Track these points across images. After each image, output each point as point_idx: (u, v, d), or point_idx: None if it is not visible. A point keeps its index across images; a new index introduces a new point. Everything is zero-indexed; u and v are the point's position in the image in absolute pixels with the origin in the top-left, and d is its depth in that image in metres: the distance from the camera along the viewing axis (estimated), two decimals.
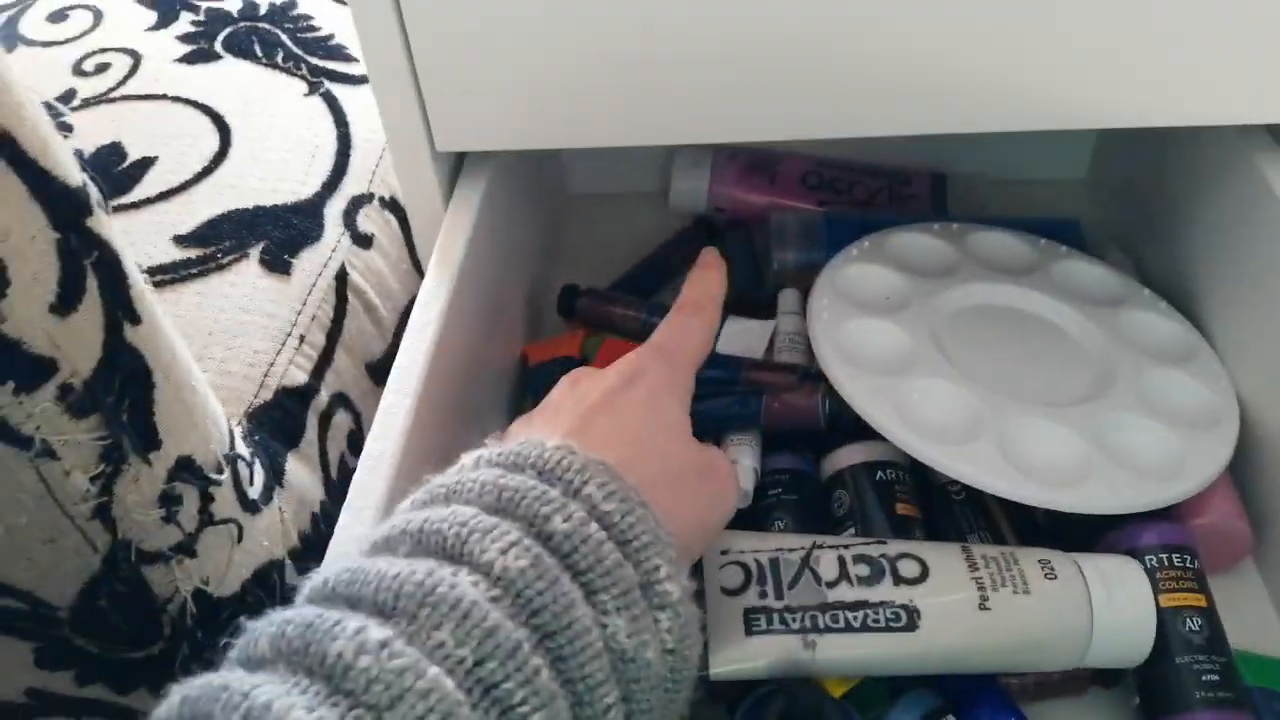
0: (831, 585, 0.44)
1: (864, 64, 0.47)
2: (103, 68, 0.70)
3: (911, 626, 0.43)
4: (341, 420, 0.57)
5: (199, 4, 0.76)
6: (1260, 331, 0.52)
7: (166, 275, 0.56)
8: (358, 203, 0.63)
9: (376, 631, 0.24)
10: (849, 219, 0.68)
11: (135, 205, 0.60)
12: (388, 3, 0.47)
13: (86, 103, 0.67)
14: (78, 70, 0.70)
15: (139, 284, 0.38)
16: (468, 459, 0.31)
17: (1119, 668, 0.46)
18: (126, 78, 0.69)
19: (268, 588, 0.48)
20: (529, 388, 0.60)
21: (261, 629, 0.25)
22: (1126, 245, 0.67)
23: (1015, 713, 0.45)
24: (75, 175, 0.35)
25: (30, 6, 0.77)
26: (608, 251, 0.71)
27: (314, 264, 0.58)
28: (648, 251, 0.72)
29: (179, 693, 0.25)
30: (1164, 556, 0.47)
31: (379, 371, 0.62)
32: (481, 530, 0.27)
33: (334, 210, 0.61)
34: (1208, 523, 0.50)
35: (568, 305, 0.65)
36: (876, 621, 0.43)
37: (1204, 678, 0.44)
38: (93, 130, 0.65)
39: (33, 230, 0.32)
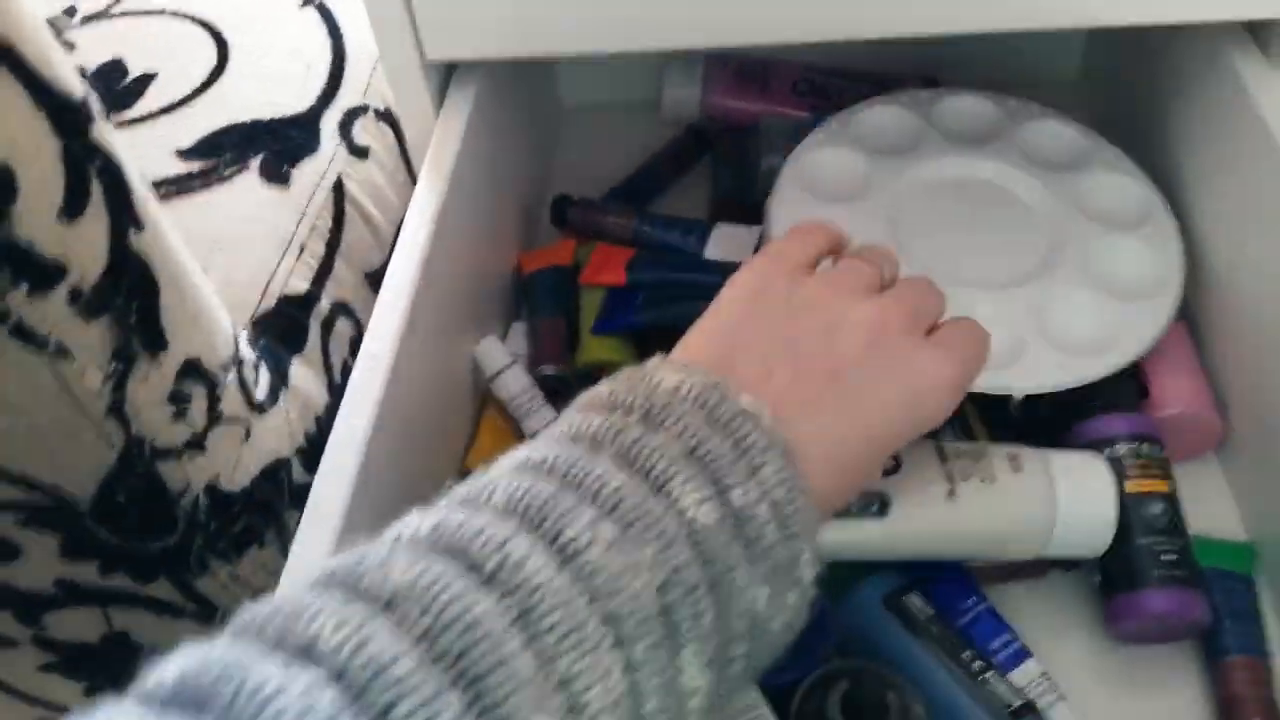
0: None
1: None
2: None
3: (882, 512, 0.45)
4: (343, 328, 0.59)
5: None
6: (1239, 227, 0.53)
7: (171, 188, 0.58)
8: (353, 115, 0.64)
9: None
10: (830, 118, 0.69)
11: (138, 120, 0.61)
12: None
13: (87, 19, 0.68)
14: None
15: (142, 193, 0.40)
16: (668, 376, 0.32)
17: (1079, 557, 0.48)
18: None
19: (276, 484, 0.51)
20: (524, 295, 0.62)
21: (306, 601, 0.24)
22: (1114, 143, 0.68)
23: (976, 592, 0.48)
24: (78, 87, 0.36)
25: None
26: (602, 161, 0.72)
27: (312, 175, 0.60)
28: (641, 161, 0.73)
29: (176, 667, 0.22)
30: (1132, 445, 0.49)
31: (378, 281, 0.63)
32: (683, 477, 0.29)
33: (330, 123, 0.63)
34: (1179, 413, 0.52)
35: (560, 215, 0.66)
36: (850, 506, 0.45)
37: (1162, 558, 0.47)
38: (95, 47, 0.66)
39: (38, 139, 0.34)
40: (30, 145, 0.33)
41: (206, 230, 0.56)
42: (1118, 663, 0.48)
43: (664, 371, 0.32)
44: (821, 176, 0.58)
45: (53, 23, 0.68)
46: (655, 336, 0.49)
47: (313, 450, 0.54)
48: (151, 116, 0.61)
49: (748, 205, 0.64)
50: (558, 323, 0.60)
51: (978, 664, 0.45)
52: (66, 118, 0.35)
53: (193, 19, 0.68)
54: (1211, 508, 0.53)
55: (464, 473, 0.50)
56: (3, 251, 0.33)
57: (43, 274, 0.35)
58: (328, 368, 0.57)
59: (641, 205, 0.70)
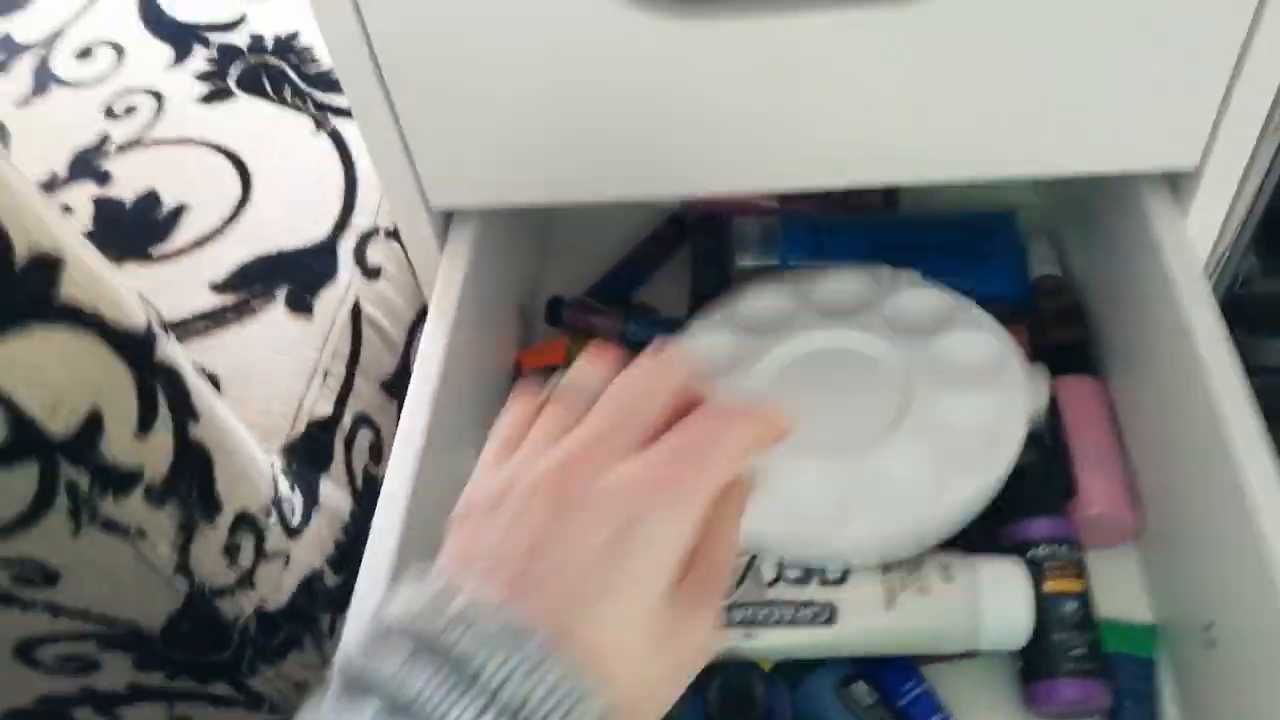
0: (771, 584, 0.55)
1: (801, 130, 0.54)
2: (130, 110, 0.79)
3: (830, 621, 0.53)
4: (363, 437, 0.67)
5: (210, 37, 0.83)
6: (1141, 349, 0.61)
7: (209, 322, 0.65)
8: (366, 238, 0.72)
9: None
10: (802, 222, 0.76)
11: (175, 254, 0.69)
12: (378, 92, 0.55)
13: (120, 148, 0.76)
14: (108, 113, 0.78)
15: (196, 386, 0.48)
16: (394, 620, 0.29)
17: (1002, 650, 0.56)
18: (153, 121, 0.77)
19: (311, 595, 0.59)
20: None
21: None
22: (1057, 237, 0.75)
23: (915, 676, 0.56)
24: (141, 318, 0.44)
25: (57, 43, 0.85)
26: (588, 251, 0.79)
27: (332, 303, 0.68)
28: (628, 246, 0.80)
29: None
30: (1051, 548, 0.57)
31: (392, 386, 0.71)
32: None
33: (345, 248, 0.70)
34: (1100, 513, 0.60)
35: (554, 315, 0.74)
36: (802, 617, 0.53)
37: (1072, 652, 0.54)
38: (129, 178, 0.74)
39: (116, 378, 0.41)
40: (110, 386, 0.41)
41: (241, 364, 0.63)
42: None
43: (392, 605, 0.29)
44: (704, 352, 0.63)
45: (89, 153, 0.76)
46: None
47: (341, 555, 0.62)
48: (185, 251, 0.69)
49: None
50: None
51: None
52: (136, 351, 0.43)
53: (217, 148, 0.75)
54: (1123, 592, 0.60)
55: None
56: (94, 472, 0.41)
57: (123, 480, 0.43)
58: (350, 477, 0.65)
59: (627, 293, 0.78)
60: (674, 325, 0.69)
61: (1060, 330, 0.68)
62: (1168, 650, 0.58)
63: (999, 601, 0.53)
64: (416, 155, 0.57)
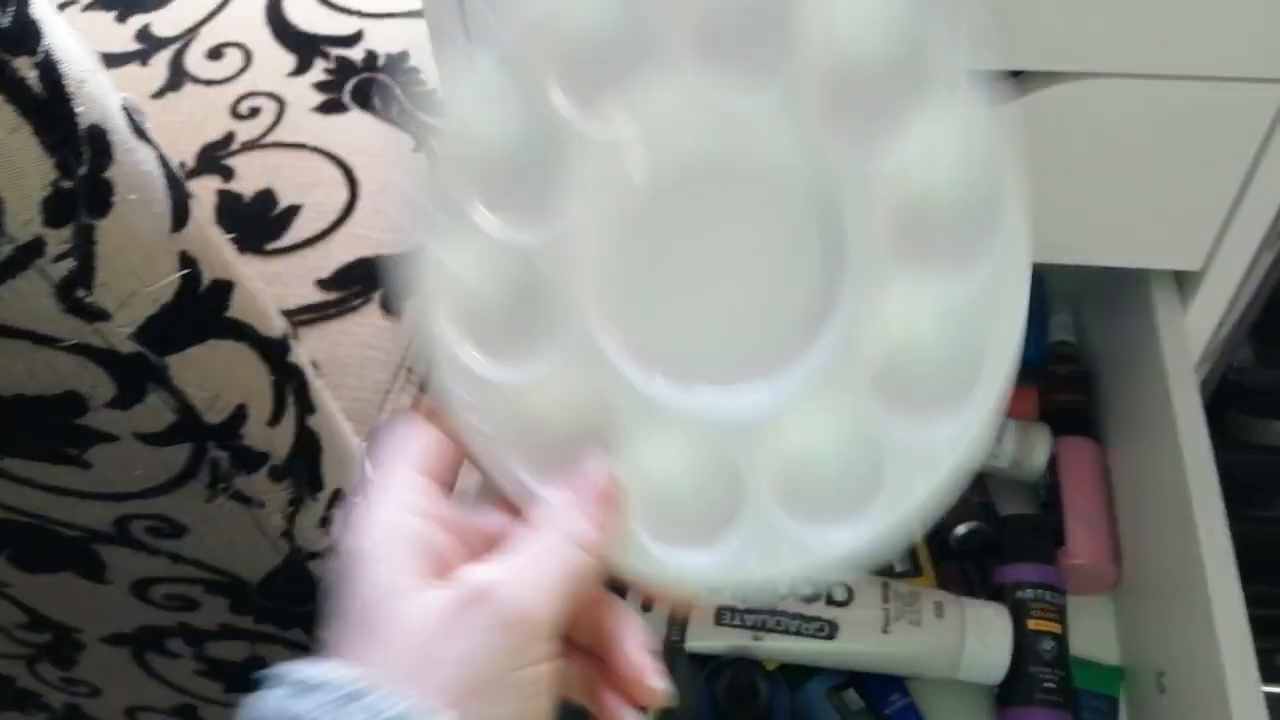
0: (782, 597, 0.63)
1: None
2: (254, 112, 0.88)
3: (831, 636, 0.61)
4: None
5: (330, 50, 0.92)
6: (1132, 417, 0.68)
7: (314, 314, 0.74)
8: None
9: None
10: None
11: (287, 250, 0.78)
12: None
13: (244, 146, 0.85)
14: (234, 113, 0.88)
15: (315, 383, 0.57)
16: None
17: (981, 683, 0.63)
18: (274, 125, 0.86)
19: None
20: None
21: None
22: (1077, 305, 0.82)
23: (901, 690, 0.64)
24: (278, 326, 0.53)
25: (193, 41, 0.94)
26: None
27: None
28: None
29: None
30: (1038, 591, 0.65)
31: None
32: None
33: None
34: (1083, 564, 0.67)
35: None
36: (806, 630, 0.62)
37: (1044, 685, 0.62)
38: (250, 175, 0.83)
39: (259, 379, 0.50)
40: (255, 385, 0.50)
41: (338, 355, 0.73)
42: None
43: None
44: None
45: (216, 149, 0.85)
46: None
47: None
48: (297, 247, 0.78)
49: None
50: None
51: None
52: (275, 355, 0.52)
53: (328, 155, 0.84)
54: (1095, 635, 0.68)
55: None
56: (234, 453, 0.50)
57: (255, 461, 0.52)
58: None
59: None
60: None
61: (1066, 395, 0.75)
62: (1128, 691, 0.65)
63: (981, 642, 0.61)
64: None
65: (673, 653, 0.61)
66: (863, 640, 0.61)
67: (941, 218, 0.34)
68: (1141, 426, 0.67)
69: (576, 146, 0.34)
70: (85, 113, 0.36)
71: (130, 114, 0.39)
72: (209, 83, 0.90)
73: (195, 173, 0.84)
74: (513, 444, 0.34)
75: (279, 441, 0.53)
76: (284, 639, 0.69)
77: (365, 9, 0.95)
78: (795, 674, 0.64)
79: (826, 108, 0.33)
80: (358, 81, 0.90)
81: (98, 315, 0.40)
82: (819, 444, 0.33)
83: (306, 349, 0.72)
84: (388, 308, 0.75)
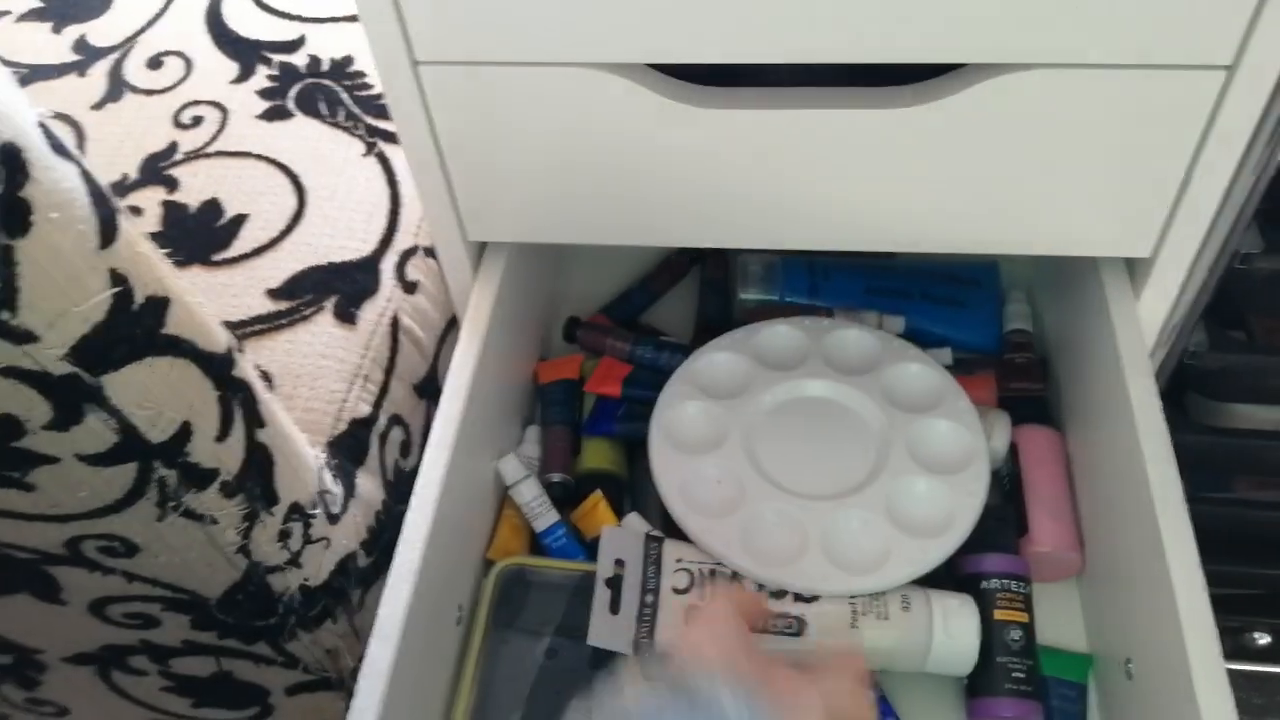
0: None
1: (802, 200, 0.62)
2: (197, 120, 0.87)
3: (799, 633, 0.61)
4: (395, 435, 0.75)
5: (271, 57, 0.91)
6: (1089, 404, 0.68)
7: (264, 325, 0.73)
8: (406, 255, 0.80)
9: None
10: (802, 263, 0.84)
11: (235, 261, 0.77)
12: (429, 141, 0.62)
13: (188, 156, 0.84)
14: (177, 123, 0.86)
15: (263, 397, 0.56)
16: None
17: (950, 674, 0.63)
18: (218, 133, 0.85)
19: (345, 574, 0.67)
20: (540, 400, 0.79)
21: None
22: (1032, 294, 0.82)
23: (870, 681, 0.63)
24: (223, 342, 0.52)
25: (131, 50, 0.93)
26: (604, 273, 0.88)
27: (373, 314, 0.76)
28: (638, 272, 0.88)
29: None
30: (1004, 581, 0.65)
31: (423, 388, 0.80)
32: None
33: (388, 264, 0.78)
34: (1048, 551, 0.68)
35: (570, 334, 0.82)
36: (774, 627, 0.61)
37: (1013, 674, 0.62)
38: (194, 185, 0.82)
39: (204, 394, 0.50)
40: (200, 402, 0.49)
41: (291, 365, 0.72)
42: None
43: None
44: (712, 374, 0.71)
45: (159, 159, 0.84)
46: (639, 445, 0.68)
47: (372, 539, 0.71)
48: (245, 258, 0.77)
49: (726, 329, 0.77)
50: (564, 432, 0.76)
51: None
52: (219, 370, 0.51)
53: (274, 163, 0.83)
54: (1063, 622, 0.68)
55: (488, 563, 0.67)
56: (182, 470, 0.49)
57: (203, 478, 0.51)
58: (383, 470, 0.74)
59: (637, 315, 0.86)
60: (677, 350, 0.77)
61: (1023, 382, 0.76)
62: (1096, 678, 0.66)
63: (948, 635, 0.61)
64: (459, 195, 0.65)
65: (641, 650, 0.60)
66: (830, 636, 0.61)
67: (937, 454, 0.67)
68: (1099, 414, 0.67)
69: None
70: None
71: (47, 131, 0.38)
72: (149, 92, 0.89)
73: (139, 184, 0.82)
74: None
75: (228, 457, 0.52)
76: (249, 653, 0.68)
77: (306, 14, 0.94)
78: None
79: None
80: (301, 87, 0.89)
81: (25, 337, 0.39)
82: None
83: (258, 360, 0.71)
84: (341, 316, 0.74)
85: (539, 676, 0.61)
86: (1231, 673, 0.52)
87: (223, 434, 0.51)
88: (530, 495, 0.70)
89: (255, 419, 0.54)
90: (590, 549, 0.67)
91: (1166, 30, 0.52)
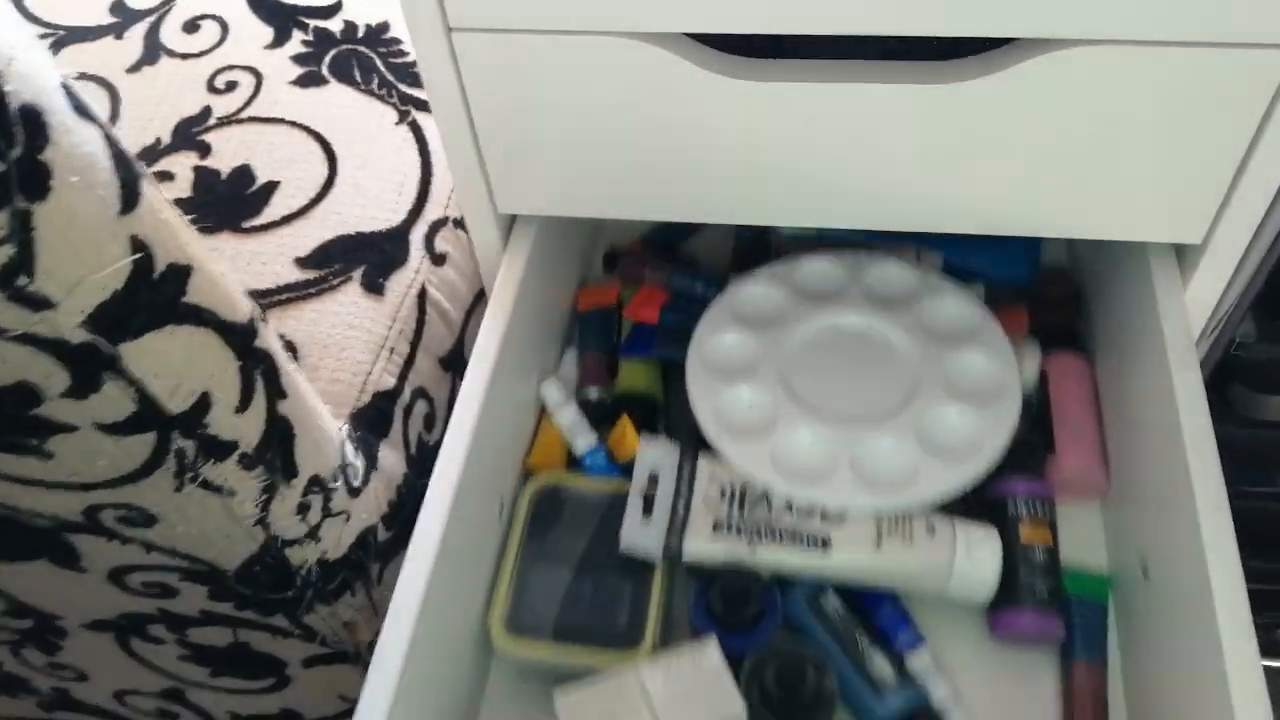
0: (779, 513, 0.63)
1: (841, 178, 0.60)
2: (231, 85, 0.86)
3: (825, 550, 0.61)
4: (419, 409, 0.75)
5: (308, 22, 0.90)
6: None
7: (293, 294, 0.73)
8: (436, 227, 0.79)
9: None
10: None
11: (264, 228, 0.76)
12: (461, 111, 0.61)
13: (221, 121, 0.83)
14: (211, 87, 0.86)
15: (286, 368, 0.55)
16: None
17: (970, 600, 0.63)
18: (251, 98, 0.84)
19: (365, 548, 0.67)
20: (579, 326, 0.79)
21: None
22: (1077, 259, 0.80)
23: (892, 599, 0.63)
24: (245, 312, 0.51)
25: (168, 13, 0.92)
26: None
27: (401, 285, 0.75)
28: None
29: None
30: (1029, 502, 0.65)
31: (448, 361, 0.79)
32: None
33: (417, 235, 0.77)
34: (1072, 468, 0.68)
35: (610, 264, 0.82)
36: (800, 542, 0.61)
37: (1035, 590, 0.62)
38: (227, 151, 0.81)
39: (225, 364, 0.49)
40: (220, 372, 0.49)
41: (317, 335, 0.71)
42: (996, 656, 0.63)
43: None
44: (751, 304, 0.71)
45: (192, 124, 0.83)
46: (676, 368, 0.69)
47: (393, 513, 0.70)
48: (275, 225, 0.76)
49: (761, 259, 0.76)
50: (601, 357, 0.76)
51: (870, 648, 0.61)
52: (241, 340, 0.50)
53: (307, 130, 0.82)
54: (1087, 543, 0.68)
55: (526, 471, 0.67)
56: (200, 442, 0.49)
57: (222, 449, 0.50)
58: (406, 444, 0.73)
59: (675, 245, 0.85)
60: (711, 280, 0.77)
61: (1056, 314, 0.76)
62: (1115, 588, 0.65)
63: (970, 562, 0.61)
64: (489, 166, 0.64)
65: (671, 560, 0.62)
66: (854, 555, 0.61)
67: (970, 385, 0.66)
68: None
69: None
70: (16, 92, 0.34)
71: (70, 92, 0.37)
72: (185, 56, 0.88)
73: (171, 149, 0.82)
74: None
75: (248, 429, 0.52)
76: (267, 625, 0.68)
77: None
78: (785, 581, 0.63)
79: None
80: (336, 53, 0.88)
81: (42, 304, 0.38)
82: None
83: (284, 329, 0.70)
84: (368, 286, 0.74)
85: (573, 582, 0.62)
86: (1264, 669, 0.51)
87: (243, 405, 0.50)
88: (569, 420, 0.70)
89: (277, 390, 0.53)
90: (625, 471, 0.67)
91: (1228, 5, 0.49)
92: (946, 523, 0.62)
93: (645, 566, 0.62)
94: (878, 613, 0.62)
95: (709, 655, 0.55)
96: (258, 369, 0.52)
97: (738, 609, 0.59)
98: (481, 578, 0.62)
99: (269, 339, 0.53)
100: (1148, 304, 0.64)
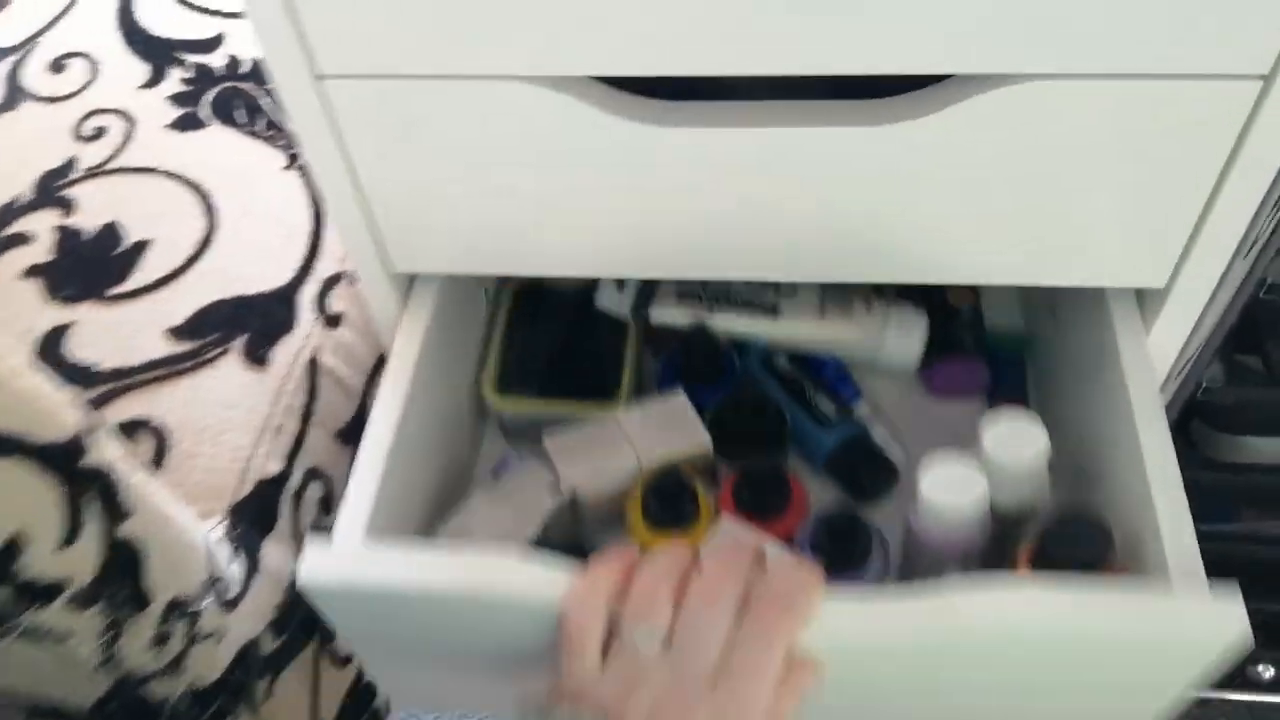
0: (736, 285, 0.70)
1: (768, 227, 0.54)
2: (100, 132, 0.77)
3: (775, 315, 0.69)
4: (312, 492, 0.67)
5: (187, 58, 0.82)
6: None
7: (163, 370, 0.65)
8: (329, 284, 0.71)
9: None
10: None
11: (132, 294, 0.68)
12: (339, 165, 0.54)
13: (87, 173, 0.75)
14: (77, 135, 0.77)
15: (129, 481, 0.47)
16: None
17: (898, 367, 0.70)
18: (122, 146, 0.76)
19: (247, 665, 0.59)
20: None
21: None
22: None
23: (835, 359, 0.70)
24: (69, 427, 0.43)
25: (32, 51, 0.83)
26: None
27: (289, 354, 0.67)
28: None
29: None
30: None
31: (348, 433, 0.71)
32: None
33: (307, 295, 0.69)
34: None
35: None
36: (751, 306, 0.69)
37: (963, 342, 0.70)
38: (92, 207, 0.73)
39: (42, 494, 0.41)
40: (35, 504, 0.41)
41: (191, 418, 0.63)
42: (927, 411, 0.71)
43: None
44: None
45: (55, 177, 0.75)
46: None
47: (281, 616, 0.62)
48: (144, 291, 0.68)
49: None
50: None
51: (816, 394, 0.69)
52: (64, 460, 0.42)
53: (183, 179, 0.74)
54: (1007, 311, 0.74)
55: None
56: (15, 589, 0.41)
57: (45, 593, 0.43)
58: (297, 536, 0.65)
59: None
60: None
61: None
62: (1031, 356, 0.72)
63: (899, 338, 0.69)
64: (381, 222, 0.57)
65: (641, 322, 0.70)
66: (799, 321, 0.68)
67: None
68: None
69: None
70: None
71: None
72: (50, 100, 0.80)
73: (32, 206, 0.73)
74: None
75: (78, 565, 0.44)
76: None
77: (225, 8, 0.84)
78: (741, 344, 0.71)
79: None
80: (218, 92, 0.79)
81: None
82: None
83: (153, 413, 0.62)
84: (251, 357, 0.66)
85: (559, 346, 0.70)
86: (1235, 704, 0.46)
87: (69, 539, 0.43)
88: None
89: (116, 512, 0.46)
90: None
91: (1192, 35, 0.44)
92: (881, 300, 0.70)
93: (618, 331, 0.69)
94: (822, 371, 0.70)
95: (678, 400, 0.64)
96: (88, 492, 0.44)
97: (702, 364, 0.68)
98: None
99: (103, 452, 0.45)
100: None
